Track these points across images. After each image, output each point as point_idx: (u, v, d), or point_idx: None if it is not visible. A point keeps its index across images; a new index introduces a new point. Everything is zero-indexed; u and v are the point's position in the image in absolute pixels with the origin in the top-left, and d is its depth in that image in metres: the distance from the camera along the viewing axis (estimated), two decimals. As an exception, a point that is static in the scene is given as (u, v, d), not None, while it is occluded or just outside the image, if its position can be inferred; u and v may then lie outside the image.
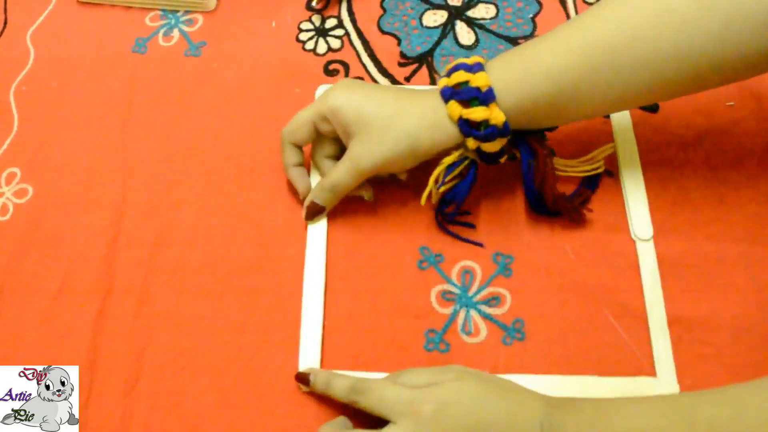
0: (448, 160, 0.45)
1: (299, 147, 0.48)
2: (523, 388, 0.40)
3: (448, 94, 0.43)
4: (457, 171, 0.45)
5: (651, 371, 0.44)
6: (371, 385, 0.41)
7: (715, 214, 0.48)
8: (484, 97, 0.42)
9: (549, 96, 0.42)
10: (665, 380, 0.43)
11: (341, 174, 0.46)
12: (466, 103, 0.42)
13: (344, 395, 0.41)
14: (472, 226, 0.48)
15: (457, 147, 0.45)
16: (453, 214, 0.47)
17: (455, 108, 0.43)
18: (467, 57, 0.45)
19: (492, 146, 0.44)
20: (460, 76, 0.43)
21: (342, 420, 0.42)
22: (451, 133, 0.43)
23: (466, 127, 0.43)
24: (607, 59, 0.41)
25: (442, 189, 0.46)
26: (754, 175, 0.50)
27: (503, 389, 0.39)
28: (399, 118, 0.44)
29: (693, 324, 0.45)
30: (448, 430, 0.37)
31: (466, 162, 0.45)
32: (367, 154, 0.44)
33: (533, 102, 0.42)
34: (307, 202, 0.48)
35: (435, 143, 0.44)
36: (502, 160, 0.45)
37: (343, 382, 0.42)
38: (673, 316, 0.45)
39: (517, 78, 0.42)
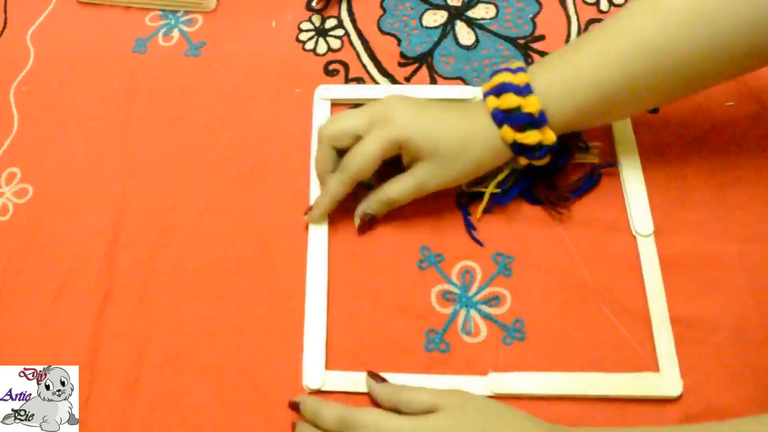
0: (500, 177, 0.47)
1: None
2: (525, 417, 0.40)
3: (500, 119, 0.44)
4: (504, 181, 0.48)
5: (653, 368, 0.44)
6: (364, 417, 0.40)
7: (715, 214, 0.48)
8: (537, 122, 0.43)
9: (593, 107, 0.43)
10: (669, 376, 0.43)
11: (404, 190, 0.46)
12: (520, 128, 0.43)
13: (334, 426, 0.41)
14: (473, 227, 0.48)
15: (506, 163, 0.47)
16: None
17: (509, 133, 0.44)
18: (506, 62, 0.46)
19: (542, 161, 0.45)
20: (511, 101, 0.43)
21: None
22: (507, 154, 0.45)
23: (520, 149, 0.44)
24: (647, 64, 0.42)
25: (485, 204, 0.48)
26: (754, 174, 0.50)
27: (504, 419, 0.39)
28: (467, 146, 0.44)
29: (693, 323, 0.45)
30: None
31: (514, 174, 0.48)
32: (436, 177, 0.45)
33: (579, 115, 0.44)
34: (360, 212, 0.48)
35: (494, 165, 0.46)
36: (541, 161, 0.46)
37: (331, 411, 0.41)
38: (673, 316, 0.45)
39: (563, 95, 0.43)
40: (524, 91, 0.43)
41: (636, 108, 0.47)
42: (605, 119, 0.47)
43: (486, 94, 0.45)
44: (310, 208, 0.48)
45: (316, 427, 0.41)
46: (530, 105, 0.43)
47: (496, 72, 0.46)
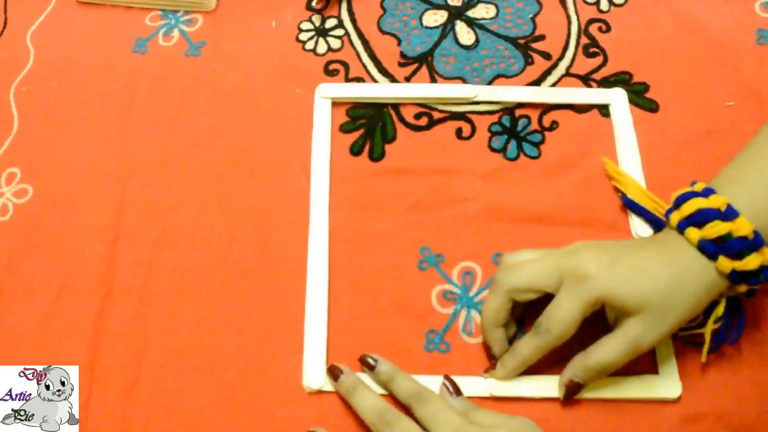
0: (719, 311, 0.42)
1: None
2: None
3: (713, 250, 0.39)
4: (723, 315, 0.42)
5: (652, 369, 0.44)
6: (430, 397, 0.41)
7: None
8: (754, 244, 0.39)
9: None
10: (668, 378, 0.43)
11: (618, 354, 0.40)
12: (737, 255, 0.39)
13: (406, 397, 0.42)
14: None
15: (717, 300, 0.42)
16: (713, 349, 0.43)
17: (726, 263, 0.39)
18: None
19: (763, 282, 0.41)
20: (719, 228, 0.39)
21: None
22: (722, 286, 0.40)
23: (739, 278, 0.40)
24: None
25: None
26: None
27: None
28: (680, 291, 0.40)
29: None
30: None
31: (731, 302, 0.43)
32: (651, 333, 0.40)
33: None
34: (565, 380, 0.42)
35: (709, 301, 0.41)
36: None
37: (407, 383, 0.42)
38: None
39: (765, 208, 0.40)
40: (730, 215, 0.39)
41: None
42: None
43: (682, 226, 0.40)
44: (492, 365, 0.44)
45: (389, 390, 0.42)
46: (742, 228, 0.39)
47: (682, 197, 0.41)
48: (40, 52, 0.58)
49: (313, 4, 0.59)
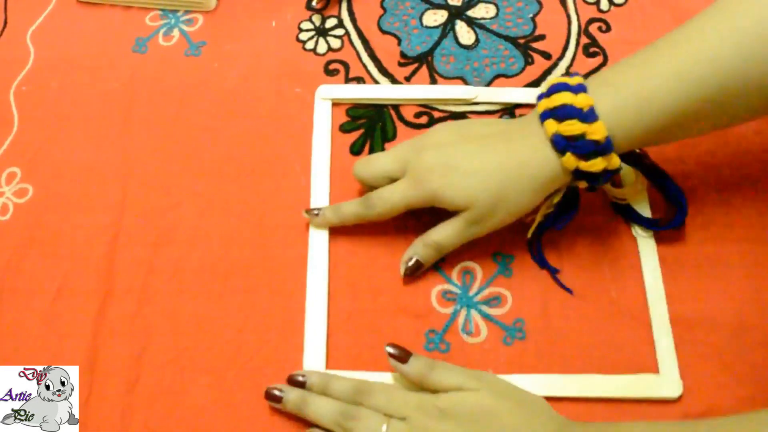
0: (556, 199, 0.44)
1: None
2: (542, 406, 0.40)
3: (562, 146, 0.41)
4: (559, 202, 0.44)
5: (653, 370, 0.44)
6: (379, 384, 0.42)
7: (715, 214, 0.48)
8: (603, 149, 0.40)
9: (661, 130, 0.41)
10: (668, 377, 0.43)
11: (453, 237, 0.44)
12: (584, 156, 0.40)
13: (349, 397, 0.41)
14: (556, 270, 0.47)
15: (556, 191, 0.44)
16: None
17: (571, 161, 0.41)
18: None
19: (604, 183, 0.43)
20: (575, 128, 0.40)
21: None
22: (565, 180, 0.42)
23: (581, 176, 0.41)
24: (719, 86, 0.39)
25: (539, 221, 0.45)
26: (755, 175, 0.50)
27: (520, 404, 0.40)
28: (512, 191, 0.42)
29: (693, 324, 0.45)
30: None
31: (569, 194, 0.45)
32: (481, 225, 0.44)
33: (645, 138, 0.41)
34: (406, 257, 0.46)
35: (551, 190, 0.43)
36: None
37: (343, 384, 0.42)
38: (673, 316, 0.45)
39: (631, 119, 0.40)
40: (589, 117, 0.40)
41: (700, 131, 0.43)
42: (668, 141, 0.44)
43: (545, 116, 0.41)
44: (314, 210, 0.48)
45: (330, 397, 0.42)
46: (596, 132, 0.40)
47: (555, 87, 0.42)
48: (40, 52, 0.58)
49: (314, 3, 0.59)
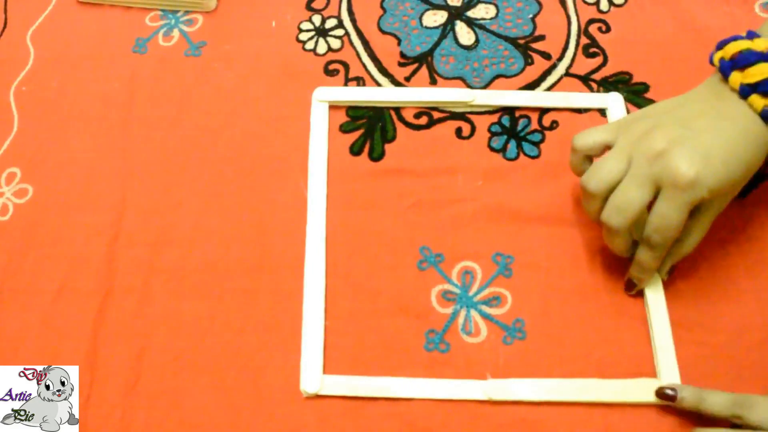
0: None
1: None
2: None
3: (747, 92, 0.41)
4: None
5: (652, 372, 0.44)
6: (757, 400, 0.40)
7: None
8: None
9: None
10: (668, 379, 0.43)
11: (702, 235, 0.44)
12: None
13: (727, 410, 0.40)
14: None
15: None
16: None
17: (758, 101, 0.40)
18: (742, 40, 0.42)
19: None
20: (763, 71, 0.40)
21: None
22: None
23: None
24: None
25: None
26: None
27: None
28: (753, 168, 0.42)
29: (693, 325, 0.45)
30: None
31: None
32: (723, 207, 0.43)
33: None
34: (668, 269, 0.46)
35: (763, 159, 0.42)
36: None
37: (720, 397, 0.41)
38: (673, 317, 0.45)
39: None
40: None
41: None
42: None
43: (745, 91, 0.41)
44: (629, 286, 0.46)
45: (703, 412, 0.41)
46: None
47: (725, 42, 0.42)
48: (40, 52, 0.58)
49: None
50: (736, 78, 0.41)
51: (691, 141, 0.40)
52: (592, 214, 0.44)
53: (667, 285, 0.46)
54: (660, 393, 0.42)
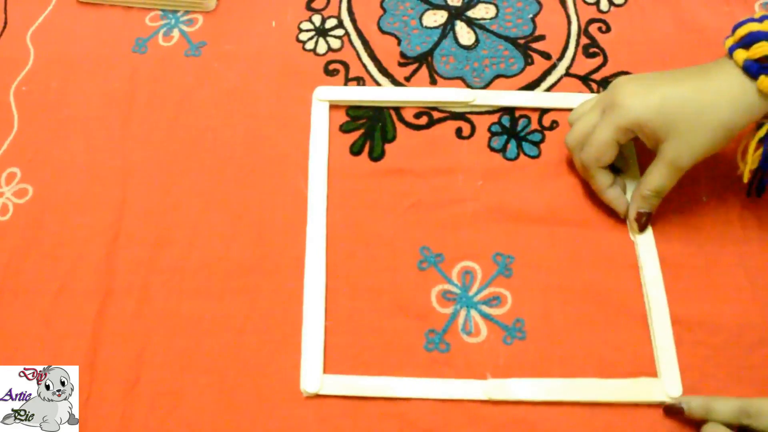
0: (760, 134, 0.44)
1: (606, 168, 0.47)
2: None
3: (755, 70, 0.41)
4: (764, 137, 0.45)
5: (652, 371, 0.44)
6: (764, 405, 0.40)
7: (715, 215, 0.48)
8: None
9: None
10: (668, 381, 0.43)
11: (663, 178, 0.45)
12: None
13: (734, 418, 0.40)
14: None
15: (764, 117, 0.44)
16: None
17: (766, 83, 0.41)
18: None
19: None
20: (764, 48, 0.41)
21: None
22: (764, 107, 0.42)
23: None
24: None
25: (754, 166, 0.45)
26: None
27: None
28: (710, 111, 0.42)
29: (693, 325, 0.45)
30: None
31: None
32: (685, 153, 0.44)
33: None
34: (632, 215, 0.47)
35: (748, 123, 0.43)
36: None
37: (727, 405, 0.41)
38: (673, 317, 0.45)
39: None
40: None
41: None
42: None
43: (732, 48, 0.43)
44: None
45: (712, 420, 0.41)
46: None
47: (738, 26, 0.43)
48: (40, 52, 0.58)
49: None
50: (740, 54, 0.42)
51: (645, 79, 0.45)
52: (579, 170, 0.49)
53: (668, 285, 0.46)
54: (668, 409, 0.42)
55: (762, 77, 0.41)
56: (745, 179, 0.45)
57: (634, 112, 0.43)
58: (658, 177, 0.45)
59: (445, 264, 0.48)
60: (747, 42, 0.42)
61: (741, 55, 0.42)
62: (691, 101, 0.43)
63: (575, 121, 0.49)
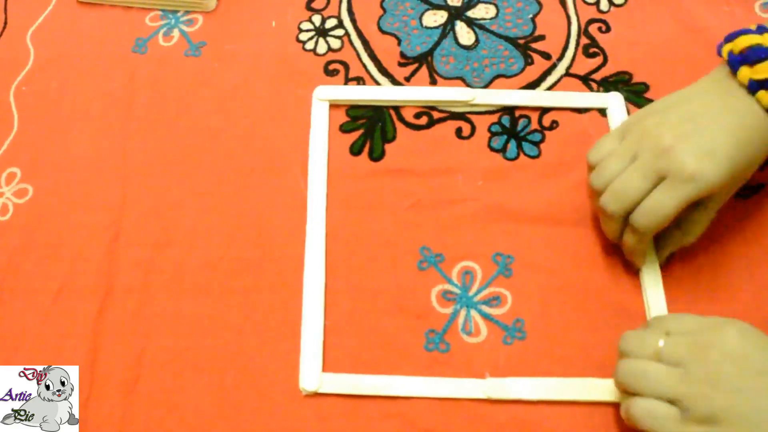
0: None
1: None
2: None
3: (755, 87, 0.41)
4: None
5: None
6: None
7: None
8: None
9: None
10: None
11: (706, 223, 0.44)
12: None
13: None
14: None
15: None
16: None
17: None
18: (752, 34, 0.42)
19: None
20: None
21: None
22: None
23: None
24: None
25: None
26: (755, 175, 0.50)
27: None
28: (751, 151, 0.41)
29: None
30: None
31: None
32: (731, 194, 0.44)
33: None
34: (667, 254, 0.46)
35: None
36: None
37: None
38: (673, 316, 0.45)
39: None
40: None
41: None
42: None
43: (734, 61, 0.42)
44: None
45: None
46: None
47: (736, 35, 0.42)
48: (40, 52, 0.58)
49: None
50: (745, 73, 0.42)
51: (696, 136, 0.41)
52: (598, 211, 0.45)
53: (667, 285, 0.46)
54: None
55: (761, 92, 0.41)
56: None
57: (710, 183, 0.40)
58: (704, 227, 0.45)
59: (445, 264, 0.48)
60: (751, 59, 0.41)
61: (745, 73, 0.41)
62: (745, 148, 0.41)
63: (599, 161, 0.44)
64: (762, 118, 0.41)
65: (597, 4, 0.59)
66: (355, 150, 0.52)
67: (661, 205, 0.41)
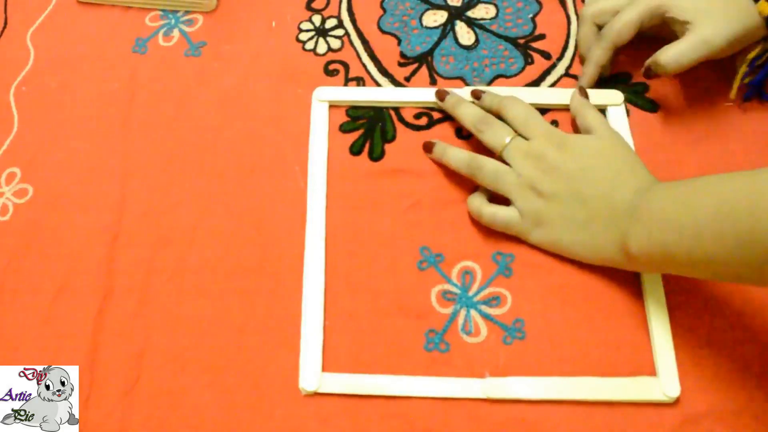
0: (751, 55, 0.48)
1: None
2: (637, 163, 0.45)
3: None
4: (759, 62, 0.48)
5: (651, 371, 0.44)
6: (485, 162, 0.47)
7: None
8: None
9: None
10: (667, 378, 0.43)
11: (689, 50, 0.46)
12: None
13: (463, 167, 0.48)
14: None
15: (756, 43, 0.47)
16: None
17: (765, 6, 0.44)
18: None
19: None
20: None
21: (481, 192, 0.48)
22: (759, 32, 0.46)
23: None
24: None
25: (747, 80, 0.49)
26: (754, 175, 0.50)
27: (618, 159, 0.45)
28: (732, 8, 0.45)
29: (692, 325, 0.45)
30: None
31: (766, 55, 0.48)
32: (721, 31, 0.46)
33: None
34: (645, 66, 0.49)
35: (745, 43, 0.47)
36: None
37: (460, 154, 0.48)
38: (673, 317, 0.45)
39: None
40: None
41: None
42: None
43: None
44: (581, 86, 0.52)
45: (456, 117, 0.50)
46: None
47: None
48: (40, 52, 0.58)
49: None
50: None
51: None
52: (579, 42, 0.54)
53: (667, 285, 0.46)
54: (436, 93, 0.51)
55: (761, 1, 0.44)
56: (732, 94, 0.50)
57: (683, 10, 0.45)
58: (684, 48, 0.46)
59: (445, 264, 0.48)
60: None
61: None
62: (729, 16, 0.45)
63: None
64: (746, 8, 0.45)
65: (597, 4, 0.59)
66: (355, 150, 0.52)
67: (626, 12, 0.49)
